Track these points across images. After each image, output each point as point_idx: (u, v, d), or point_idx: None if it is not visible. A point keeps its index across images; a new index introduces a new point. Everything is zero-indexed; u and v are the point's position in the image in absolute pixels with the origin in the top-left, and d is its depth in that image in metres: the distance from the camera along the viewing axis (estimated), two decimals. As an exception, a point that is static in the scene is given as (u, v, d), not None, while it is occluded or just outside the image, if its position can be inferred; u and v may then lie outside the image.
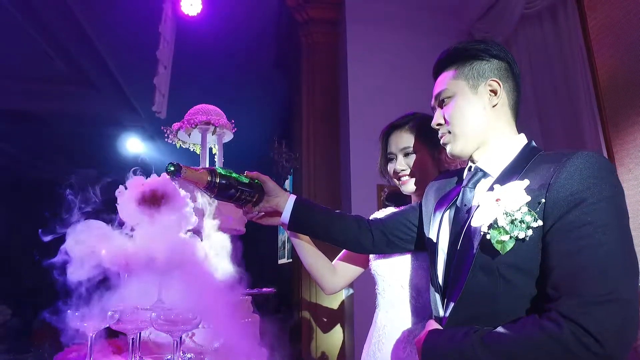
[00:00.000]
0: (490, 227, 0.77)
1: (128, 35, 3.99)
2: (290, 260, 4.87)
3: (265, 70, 4.97)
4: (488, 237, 0.78)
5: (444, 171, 1.20)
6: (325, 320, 3.69)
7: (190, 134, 1.72)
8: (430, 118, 1.03)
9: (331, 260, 1.37)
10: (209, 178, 1.00)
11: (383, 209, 1.40)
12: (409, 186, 1.25)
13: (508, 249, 0.75)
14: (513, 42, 3.49)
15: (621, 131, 2.50)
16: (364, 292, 1.38)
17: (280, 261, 6.12)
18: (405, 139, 1.24)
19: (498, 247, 0.76)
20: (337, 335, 3.62)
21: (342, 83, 3.81)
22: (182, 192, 0.89)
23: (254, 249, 1.22)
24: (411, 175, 1.24)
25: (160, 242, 0.78)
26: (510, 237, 0.75)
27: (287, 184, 4.68)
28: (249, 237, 1.54)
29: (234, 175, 1.06)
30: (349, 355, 3.41)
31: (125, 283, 0.79)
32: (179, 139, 1.80)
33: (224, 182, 1.02)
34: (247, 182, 1.08)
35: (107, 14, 3.83)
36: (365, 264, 1.37)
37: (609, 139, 2.66)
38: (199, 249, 0.89)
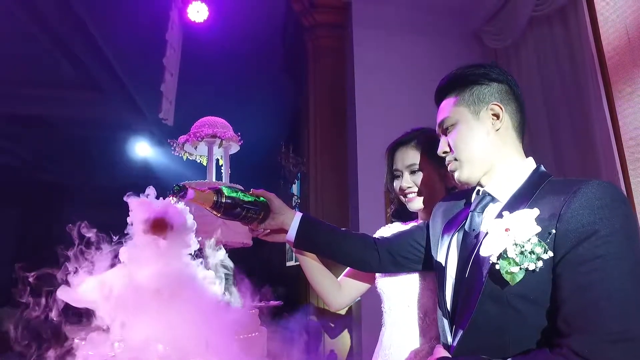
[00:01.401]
0: (499, 257, 0.76)
1: (135, 41, 4.02)
2: (298, 262, 4.87)
3: (272, 75, 4.98)
4: (497, 267, 0.76)
5: (452, 191, 1.19)
6: (332, 325, 3.68)
7: (196, 146, 1.72)
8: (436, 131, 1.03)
9: (336, 276, 1.36)
10: (215, 198, 1.00)
11: (389, 225, 1.39)
12: (415, 204, 1.24)
13: (518, 280, 0.74)
14: (522, 45, 3.45)
15: (633, 138, 2.45)
16: (372, 296, 1.37)
17: (289, 263, 6.13)
18: (411, 156, 1.23)
19: (507, 277, 0.74)
20: (344, 340, 3.61)
21: (349, 87, 3.80)
22: (189, 219, 0.88)
23: (262, 250, 1.22)
24: (418, 192, 1.23)
25: (159, 272, 0.78)
26: (520, 269, 0.73)
27: (295, 188, 4.68)
28: (256, 239, 1.54)
29: (239, 194, 1.06)
30: (357, 362, 3.40)
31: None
32: (186, 151, 1.80)
33: (229, 201, 1.02)
34: (252, 200, 1.08)
35: (115, 22, 3.86)
36: (371, 280, 1.36)
37: (621, 145, 2.62)
38: (199, 275, 0.89)
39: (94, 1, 3.81)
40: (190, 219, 0.90)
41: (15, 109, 5.89)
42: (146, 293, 0.76)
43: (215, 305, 0.88)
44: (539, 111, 3.25)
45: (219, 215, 1.04)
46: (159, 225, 0.81)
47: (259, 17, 4.11)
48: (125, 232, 0.85)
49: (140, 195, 0.86)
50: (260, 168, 4.96)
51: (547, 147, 3.16)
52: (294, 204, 4.40)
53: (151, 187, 0.89)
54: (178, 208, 0.87)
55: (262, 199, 1.10)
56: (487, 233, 0.82)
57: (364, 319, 3.25)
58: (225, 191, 1.03)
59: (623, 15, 2.52)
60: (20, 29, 4.10)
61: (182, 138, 1.71)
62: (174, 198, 0.90)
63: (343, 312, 3.57)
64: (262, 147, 4.61)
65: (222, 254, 1.10)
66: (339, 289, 1.33)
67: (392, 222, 1.40)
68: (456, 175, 0.95)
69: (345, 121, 3.84)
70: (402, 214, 1.34)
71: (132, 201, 0.81)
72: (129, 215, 0.88)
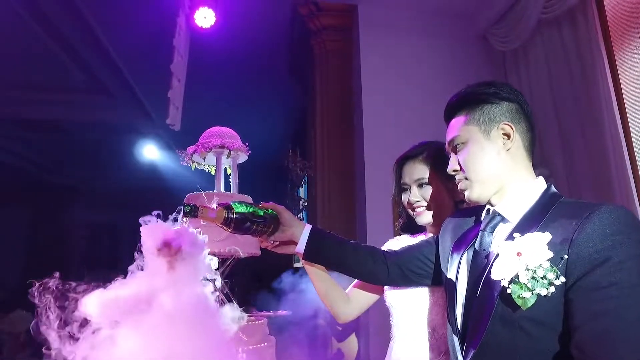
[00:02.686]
0: (511, 281, 0.76)
1: (144, 47, 4.05)
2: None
3: (279, 78, 4.98)
4: (509, 291, 0.76)
5: (460, 205, 1.18)
6: (340, 328, 3.68)
7: (205, 157, 1.73)
8: (445, 147, 1.02)
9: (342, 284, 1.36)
10: (225, 215, 1.01)
11: (398, 237, 1.38)
12: (423, 218, 1.23)
13: (530, 305, 0.74)
14: (530, 47, 3.41)
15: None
16: (380, 302, 1.37)
17: (296, 264, 6.14)
18: (419, 170, 1.23)
19: (519, 302, 0.74)
20: (352, 344, 3.61)
21: (356, 90, 3.79)
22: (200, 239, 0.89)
23: (269, 252, 1.22)
24: (426, 207, 1.22)
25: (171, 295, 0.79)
26: (532, 294, 0.73)
27: (302, 192, 4.69)
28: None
29: (249, 208, 1.07)
30: (365, 366, 3.40)
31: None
32: (194, 161, 1.81)
33: (239, 216, 1.03)
34: (262, 214, 1.09)
35: (124, 28, 3.90)
36: (380, 292, 1.36)
37: (632, 149, 2.58)
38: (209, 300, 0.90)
39: (103, 8, 3.84)
40: (201, 239, 0.91)
41: (27, 113, 5.98)
42: (155, 313, 0.77)
43: (223, 324, 0.89)
44: (548, 115, 3.22)
45: (229, 230, 1.05)
46: (169, 248, 0.81)
47: (265, 21, 4.12)
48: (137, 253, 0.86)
49: (149, 217, 0.87)
50: (267, 171, 4.98)
51: (556, 151, 3.12)
52: (301, 207, 4.41)
53: (156, 212, 0.89)
54: (187, 229, 0.88)
55: (271, 211, 1.11)
56: (497, 254, 0.82)
57: (372, 324, 3.25)
58: (235, 207, 1.04)
59: (633, 17, 2.49)
60: (32, 35, 4.15)
61: (190, 149, 1.73)
62: (185, 218, 0.91)
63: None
64: (269, 150, 4.63)
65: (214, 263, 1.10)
66: (347, 301, 1.33)
67: (400, 234, 1.40)
68: (466, 194, 0.95)
69: (353, 124, 3.83)
70: (411, 227, 1.34)
71: (143, 228, 0.82)
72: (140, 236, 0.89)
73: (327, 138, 3.91)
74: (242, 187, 1.85)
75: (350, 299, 1.34)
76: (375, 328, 3.19)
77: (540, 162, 3.14)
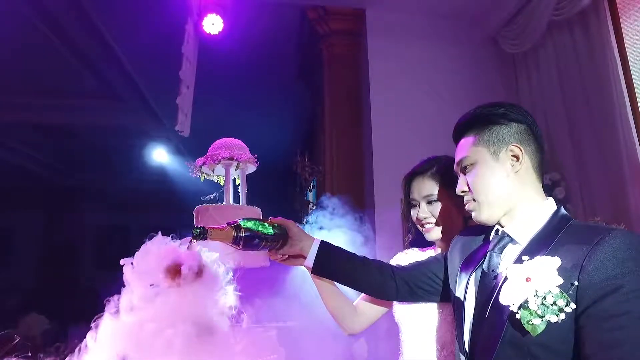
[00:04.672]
0: (520, 307, 0.75)
1: (154, 53, 4.09)
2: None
3: (288, 83, 4.99)
4: (518, 316, 0.75)
5: (470, 221, 1.18)
6: (350, 339, 3.67)
7: (213, 169, 1.74)
8: (454, 162, 1.02)
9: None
10: (234, 234, 1.02)
11: (407, 251, 1.38)
12: (432, 234, 1.23)
13: (539, 332, 0.73)
14: (541, 49, 3.37)
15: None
16: (390, 318, 1.36)
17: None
18: (428, 187, 1.22)
19: (529, 328, 0.74)
20: (361, 345, 3.60)
21: (364, 94, 3.79)
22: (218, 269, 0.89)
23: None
24: (435, 223, 1.22)
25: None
26: (542, 320, 0.72)
27: (310, 196, 4.70)
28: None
29: (257, 224, 1.07)
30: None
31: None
32: (203, 173, 1.82)
33: (248, 234, 1.04)
34: (270, 230, 1.09)
35: (134, 34, 3.94)
36: (388, 305, 1.35)
37: (646, 154, 2.54)
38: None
39: (115, 16, 3.90)
40: (210, 260, 0.92)
41: (40, 117, 6.09)
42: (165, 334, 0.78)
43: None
44: (559, 118, 3.18)
45: (239, 248, 1.06)
46: (175, 271, 0.82)
47: (273, 26, 4.12)
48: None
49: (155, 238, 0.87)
50: (276, 175, 4.99)
51: (568, 155, 3.08)
52: (309, 211, 4.42)
53: (158, 235, 0.90)
54: (194, 252, 0.89)
55: (279, 226, 1.12)
56: (506, 277, 0.81)
57: (380, 329, 3.23)
58: (243, 224, 1.05)
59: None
60: (45, 42, 4.23)
61: (199, 161, 1.74)
62: (195, 241, 0.92)
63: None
64: (278, 155, 4.64)
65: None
66: (354, 314, 1.32)
67: (409, 248, 1.40)
68: (474, 215, 0.95)
69: (362, 128, 3.83)
70: (419, 241, 1.33)
71: (150, 248, 0.83)
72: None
73: (336, 142, 3.91)
74: (251, 190, 1.85)
75: (357, 311, 1.33)
76: (384, 338, 3.18)
77: (551, 167, 3.10)
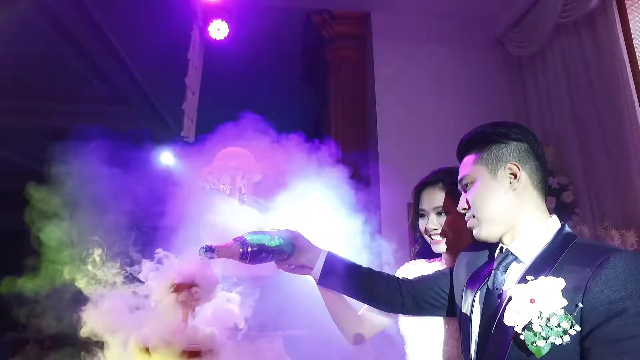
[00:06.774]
0: (524, 328, 0.75)
1: (160, 59, 4.13)
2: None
3: (293, 87, 5.00)
4: (522, 337, 0.75)
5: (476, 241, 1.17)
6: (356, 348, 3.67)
7: (220, 178, 1.76)
8: None
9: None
10: (241, 249, 1.02)
11: (413, 262, 1.37)
12: (440, 246, 1.22)
13: (544, 354, 0.73)
14: (548, 52, 3.34)
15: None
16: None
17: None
18: (437, 198, 1.22)
19: (533, 350, 0.74)
20: (365, 348, 3.60)
21: (370, 98, 3.78)
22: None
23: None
24: (443, 234, 1.21)
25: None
26: (546, 342, 0.72)
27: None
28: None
29: (264, 238, 1.07)
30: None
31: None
32: (209, 181, 1.84)
33: (255, 249, 1.04)
34: (277, 242, 1.09)
35: (141, 41, 3.98)
36: (393, 315, 1.35)
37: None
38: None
39: (122, 24, 3.94)
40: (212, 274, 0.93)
41: (50, 122, 6.17)
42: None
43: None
44: (567, 121, 3.15)
45: (246, 263, 1.06)
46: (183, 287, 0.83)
47: (278, 30, 4.13)
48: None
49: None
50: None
51: (576, 159, 3.05)
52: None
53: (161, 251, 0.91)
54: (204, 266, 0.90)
55: (286, 238, 1.12)
56: (510, 297, 0.81)
57: (382, 333, 3.23)
58: (250, 239, 1.05)
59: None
60: (56, 50, 4.29)
61: (206, 170, 1.75)
62: (202, 258, 0.93)
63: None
64: (284, 159, 4.65)
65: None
66: (359, 324, 1.32)
67: (415, 258, 1.39)
68: (475, 232, 0.96)
69: (367, 132, 3.82)
70: (426, 252, 1.32)
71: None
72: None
73: (342, 146, 3.90)
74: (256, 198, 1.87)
75: (362, 321, 1.33)
76: (390, 348, 3.17)
77: (559, 171, 3.07)
